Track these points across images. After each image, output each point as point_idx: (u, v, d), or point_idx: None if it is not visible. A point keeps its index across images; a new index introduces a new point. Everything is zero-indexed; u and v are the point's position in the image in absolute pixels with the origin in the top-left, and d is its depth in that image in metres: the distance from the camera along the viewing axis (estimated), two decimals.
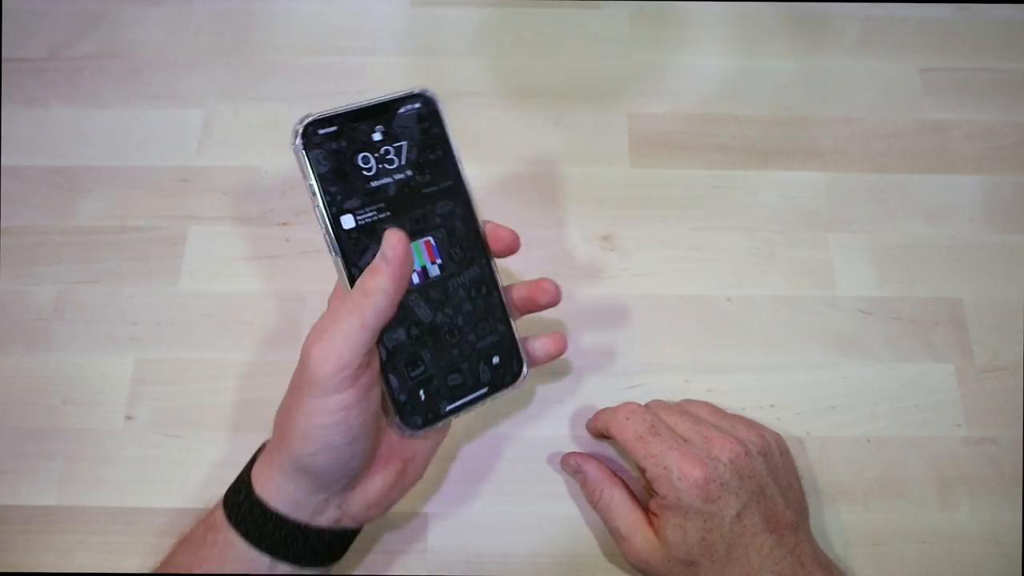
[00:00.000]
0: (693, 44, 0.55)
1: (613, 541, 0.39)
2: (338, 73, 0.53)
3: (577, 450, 0.43)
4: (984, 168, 0.51)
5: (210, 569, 0.32)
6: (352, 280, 0.33)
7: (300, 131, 0.33)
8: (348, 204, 0.33)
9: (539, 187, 0.50)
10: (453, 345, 0.35)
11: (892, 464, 0.43)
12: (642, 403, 0.41)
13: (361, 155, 0.34)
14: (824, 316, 0.47)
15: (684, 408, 0.41)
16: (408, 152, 0.35)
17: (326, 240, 0.33)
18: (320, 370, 0.30)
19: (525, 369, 0.37)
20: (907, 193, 0.50)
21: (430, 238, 0.35)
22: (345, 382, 0.30)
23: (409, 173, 0.35)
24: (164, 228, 0.48)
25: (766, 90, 0.53)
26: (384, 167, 0.34)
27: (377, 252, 0.32)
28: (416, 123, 0.35)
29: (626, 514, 0.38)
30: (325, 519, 0.34)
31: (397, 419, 0.34)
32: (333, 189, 0.33)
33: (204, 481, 0.42)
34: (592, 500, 0.40)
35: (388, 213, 0.34)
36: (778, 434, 0.41)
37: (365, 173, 0.34)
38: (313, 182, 0.33)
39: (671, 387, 0.45)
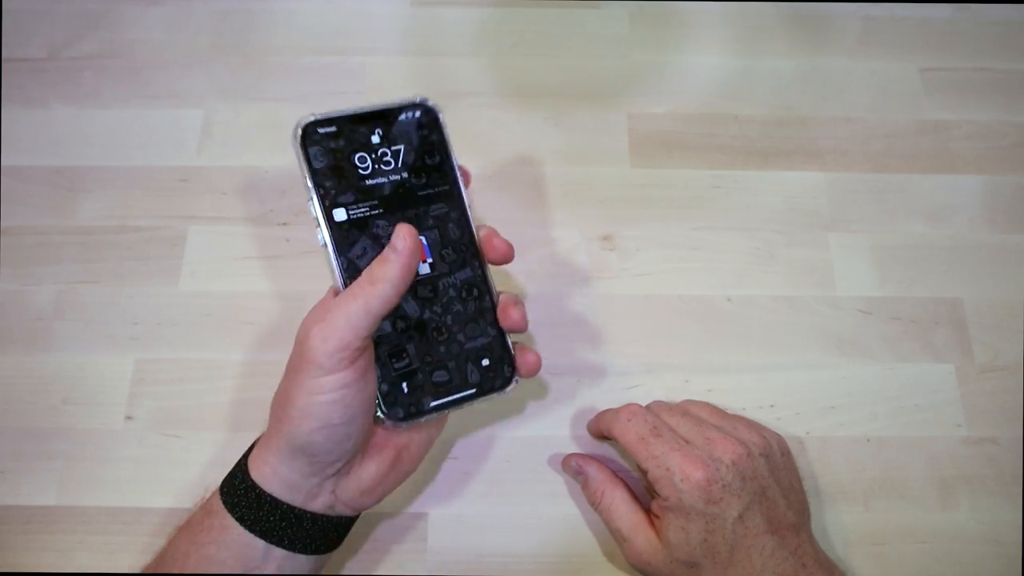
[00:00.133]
0: (693, 44, 0.55)
1: (615, 542, 0.39)
2: (338, 73, 0.53)
3: (578, 451, 0.43)
4: (984, 168, 0.51)
5: (207, 554, 0.33)
6: (342, 271, 0.34)
7: (301, 128, 0.34)
8: (342, 199, 0.34)
9: (539, 187, 0.50)
10: (440, 343, 0.36)
11: (892, 464, 0.43)
12: (643, 403, 0.41)
13: (358, 155, 0.35)
14: (824, 316, 0.47)
15: (685, 409, 0.41)
16: (405, 156, 0.36)
17: (318, 234, 0.34)
18: (321, 349, 0.31)
19: (517, 376, 0.37)
20: (907, 193, 0.50)
21: (422, 238, 0.35)
22: (344, 362, 0.31)
23: (405, 175, 0.36)
24: (164, 228, 0.48)
25: (766, 90, 0.53)
26: (380, 167, 0.35)
27: (367, 246, 0.34)
28: (415, 130, 0.36)
29: (628, 515, 0.38)
30: (319, 504, 0.34)
31: (377, 409, 0.35)
32: (328, 183, 0.34)
33: (204, 481, 0.42)
34: (593, 501, 0.40)
35: (381, 210, 0.35)
36: (779, 435, 0.41)
37: (361, 171, 0.35)
38: (308, 175, 0.34)
39: (671, 387, 0.45)
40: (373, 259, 0.34)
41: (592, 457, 0.42)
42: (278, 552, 0.33)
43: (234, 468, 0.35)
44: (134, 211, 0.49)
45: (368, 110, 0.35)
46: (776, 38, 0.55)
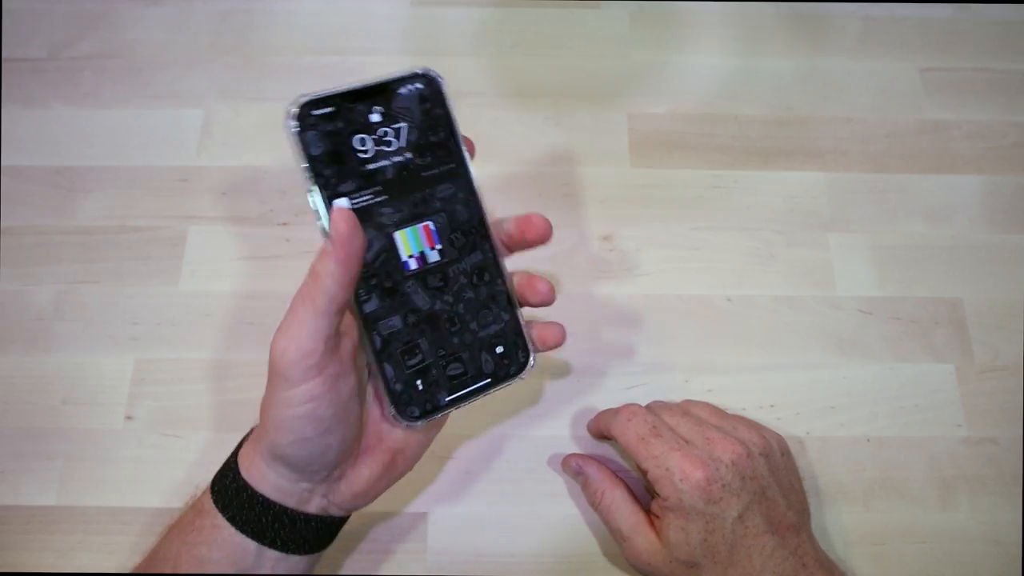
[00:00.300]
0: (693, 44, 0.55)
1: (614, 542, 0.39)
2: (338, 73, 0.53)
3: (577, 450, 0.43)
4: (984, 168, 0.51)
5: (199, 554, 0.32)
6: None
7: (295, 112, 0.31)
8: (343, 188, 0.32)
9: (539, 187, 0.50)
10: (453, 334, 0.34)
11: (892, 464, 0.43)
12: (642, 403, 0.41)
13: (358, 137, 0.32)
14: (824, 316, 0.47)
15: (685, 409, 0.41)
16: (408, 134, 0.33)
17: (319, 226, 0.32)
18: (282, 361, 0.30)
19: (532, 359, 0.35)
20: (907, 193, 0.50)
21: (430, 223, 0.34)
22: (310, 371, 0.30)
23: (408, 156, 0.33)
24: (164, 228, 0.48)
25: (766, 90, 0.53)
26: (382, 149, 0.33)
27: (372, 237, 0.32)
28: (418, 104, 0.33)
29: (628, 515, 0.38)
30: (313, 506, 0.33)
31: (393, 410, 0.33)
32: (327, 172, 0.32)
33: (204, 481, 0.42)
34: (593, 502, 0.40)
35: (385, 196, 0.33)
36: (779, 435, 0.41)
37: (361, 156, 0.32)
38: (306, 165, 0.32)
39: (671, 387, 0.45)
40: (379, 250, 0.32)
41: (592, 457, 0.42)
42: (271, 553, 0.33)
43: (224, 466, 0.34)
44: (134, 211, 0.49)
45: (365, 85, 0.32)
46: (776, 38, 0.55)
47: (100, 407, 0.44)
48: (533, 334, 0.36)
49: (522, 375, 0.35)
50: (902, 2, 0.57)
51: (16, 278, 0.47)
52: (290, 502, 0.33)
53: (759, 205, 0.50)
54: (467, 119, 0.51)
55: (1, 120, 0.51)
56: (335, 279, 0.29)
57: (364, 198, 0.32)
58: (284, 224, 0.49)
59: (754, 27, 0.56)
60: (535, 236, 0.35)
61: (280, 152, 0.50)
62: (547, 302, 0.35)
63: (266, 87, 0.52)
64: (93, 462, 0.43)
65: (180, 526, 0.34)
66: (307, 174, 0.32)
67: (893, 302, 0.47)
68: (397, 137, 0.33)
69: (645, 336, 0.46)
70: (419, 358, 0.34)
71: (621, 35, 0.55)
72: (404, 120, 0.33)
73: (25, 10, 0.55)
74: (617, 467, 0.43)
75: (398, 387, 0.33)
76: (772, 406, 0.45)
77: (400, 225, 0.33)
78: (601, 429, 0.41)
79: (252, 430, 0.35)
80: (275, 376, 0.30)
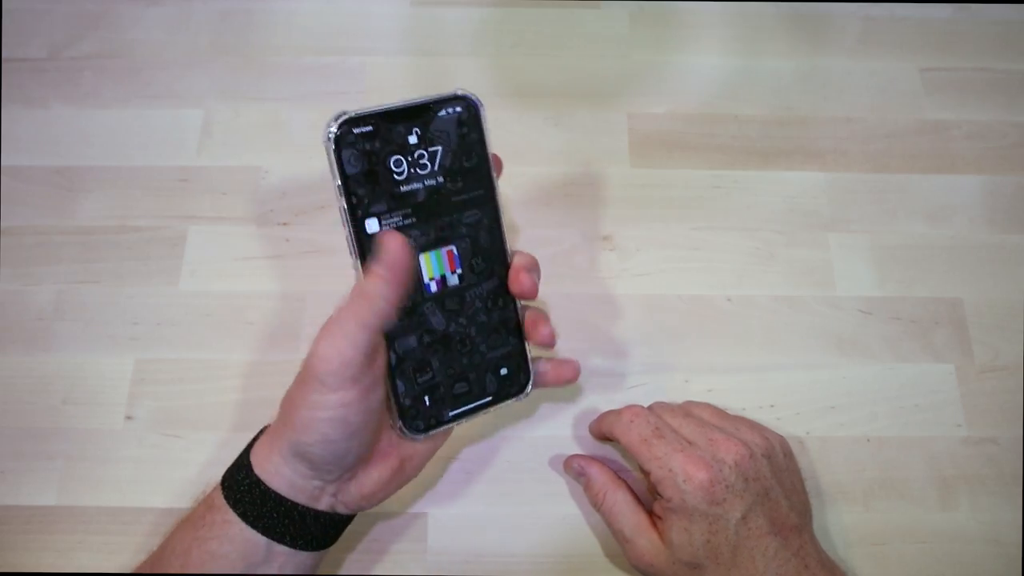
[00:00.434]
0: (693, 44, 0.55)
1: (616, 543, 0.39)
2: (338, 73, 0.53)
3: (579, 451, 0.43)
4: (984, 168, 0.51)
5: (209, 549, 0.33)
6: None
7: (335, 129, 0.31)
8: (375, 208, 0.32)
9: (539, 187, 0.50)
10: (463, 355, 0.35)
11: (892, 464, 0.43)
12: (643, 403, 0.41)
13: (394, 158, 0.32)
14: (824, 316, 0.47)
15: (687, 410, 0.41)
16: (442, 158, 0.33)
17: (348, 241, 0.32)
18: (322, 367, 0.31)
19: (531, 383, 0.37)
20: (907, 193, 0.50)
21: (453, 247, 0.34)
22: (347, 381, 0.31)
23: (440, 180, 0.33)
24: (164, 228, 0.48)
25: (766, 90, 0.53)
26: (415, 171, 0.33)
27: None
28: (455, 127, 0.33)
29: (630, 517, 0.38)
30: (322, 504, 0.34)
31: (400, 423, 0.35)
32: (361, 191, 0.32)
33: (204, 481, 0.42)
34: (596, 503, 0.40)
35: (414, 219, 0.33)
36: (782, 436, 0.41)
37: (396, 177, 0.33)
38: (340, 183, 0.32)
39: (671, 387, 0.45)
40: None
41: (594, 458, 0.42)
42: (280, 549, 0.33)
43: (236, 462, 0.35)
44: (134, 211, 0.49)
45: (406, 105, 0.32)
46: (776, 38, 0.55)
47: (100, 407, 0.44)
48: (547, 368, 0.38)
49: (519, 397, 0.37)
50: (902, 2, 0.57)
51: (16, 278, 0.47)
52: (301, 498, 0.33)
53: (759, 205, 0.50)
54: None
55: (1, 120, 0.51)
56: (386, 300, 0.31)
57: (394, 219, 0.33)
58: (284, 224, 0.48)
59: (754, 27, 0.56)
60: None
61: (280, 152, 0.50)
62: (546, 347, 0.37)
63: (266, 87, 0.52)
64: (93, 462, 0.43)
65: (190, 521, 0.34)
66: (340, 192, 0.32)
67: (893, 302, 0.47)
68: (432, 161, 0.33)
69: (645, 336, 0.46)
70: (429, 376, 0.35)
71: (621, 35, 0.55)
72: (440, 143, 0.33)
73: (25, 10, 0.55)
74: (619, 468, 0.43)
75: (407, 402, 0.34)
76: (772, 406, 0.45)
77: (425, 248, 0.34)
78: (603, 431, 0.41)
79: (264, 428, 0.35)
80: (311, 379, 0.31)
